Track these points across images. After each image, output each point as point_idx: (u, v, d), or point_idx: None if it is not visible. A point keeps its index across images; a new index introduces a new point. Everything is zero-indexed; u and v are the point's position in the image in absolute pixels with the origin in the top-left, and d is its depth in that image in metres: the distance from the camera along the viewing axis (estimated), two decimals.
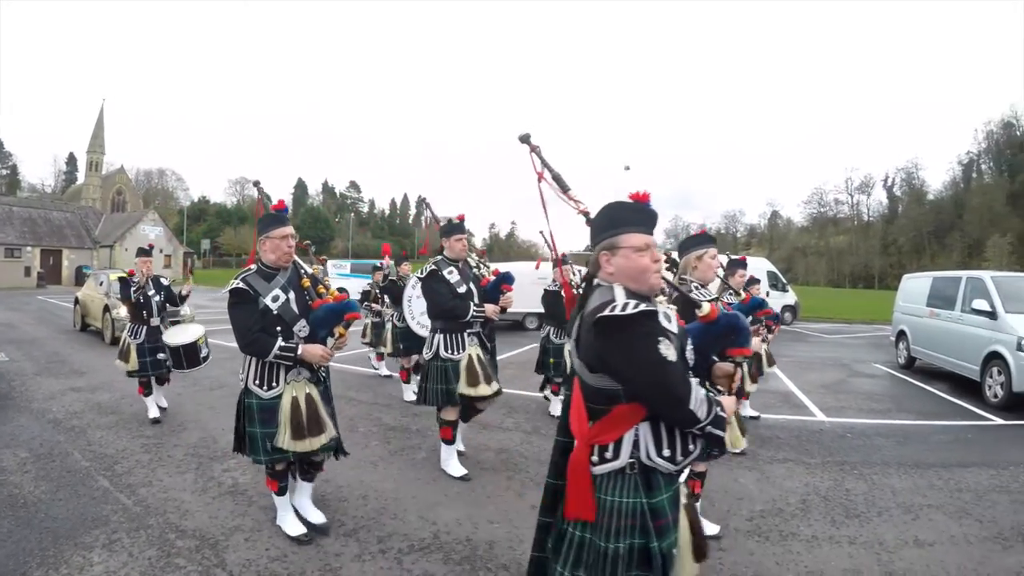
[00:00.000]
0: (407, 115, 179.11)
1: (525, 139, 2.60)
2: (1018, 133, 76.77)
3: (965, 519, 4.94)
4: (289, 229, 4.09)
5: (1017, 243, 67.01)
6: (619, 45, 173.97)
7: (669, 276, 4.60)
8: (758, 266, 26.53)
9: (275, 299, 3.89)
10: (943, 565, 4.08)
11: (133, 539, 4.06)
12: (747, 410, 7.94)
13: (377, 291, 10.35)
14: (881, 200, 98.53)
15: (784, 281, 25.38)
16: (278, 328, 3.88)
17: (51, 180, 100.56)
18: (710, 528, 4.39)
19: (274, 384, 3.93)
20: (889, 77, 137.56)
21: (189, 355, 6.86)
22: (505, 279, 5.69)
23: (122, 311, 12.71)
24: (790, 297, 24.83)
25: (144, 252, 7.60)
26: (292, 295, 4.01)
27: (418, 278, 5.69)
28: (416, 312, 7.57)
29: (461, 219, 5.78)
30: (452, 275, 5.47)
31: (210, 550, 3.94)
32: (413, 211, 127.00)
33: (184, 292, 7.81)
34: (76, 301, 17.09)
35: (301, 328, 3.98)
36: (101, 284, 15.67)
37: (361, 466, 5.68)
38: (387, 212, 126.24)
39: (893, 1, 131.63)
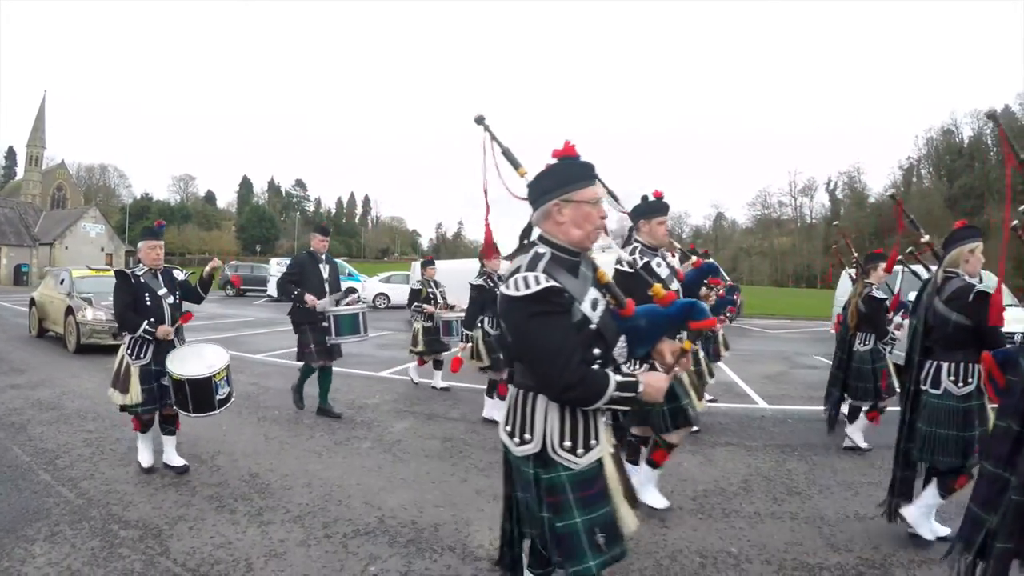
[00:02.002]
0: (354, 113, 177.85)
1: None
2: (957, 140, 79.31)
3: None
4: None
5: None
6: (563, 47, 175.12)
7: (676, 263, 5.05)
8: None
9: (594, 304, 2.32)
10: (884, 536, 4.26)
11: (76, 531, 4.05)
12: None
13: (430, 290, 9.41)
14: (824, 203, 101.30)
15: (727, 278, 25.86)
16: (596, 352, 2.30)
17: None
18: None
19: (592, 442, 2.29)
20: (833, 84, 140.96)
21: (198, 394, 5.03)
22: (710, 270, 5.14)
23: (89, 314, 12.00)
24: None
25: (152, 234, 5.41)
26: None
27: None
28: None
29: (659, 196, 4.68)
30: (662, 268, 4.49)
31: (154, 539, 3.96)
32: (360, 210, 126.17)
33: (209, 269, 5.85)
34: (32, 303, 15.29)
35: (622, 349, 2.57)
36: (62, 283, 13.91)
37: (306, 456, 5.73)
38: (333, 211, 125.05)
39: (838, 8, 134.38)
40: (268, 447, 5.98)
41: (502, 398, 7.01)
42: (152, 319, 5.10)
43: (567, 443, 2.21)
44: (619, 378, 2.16)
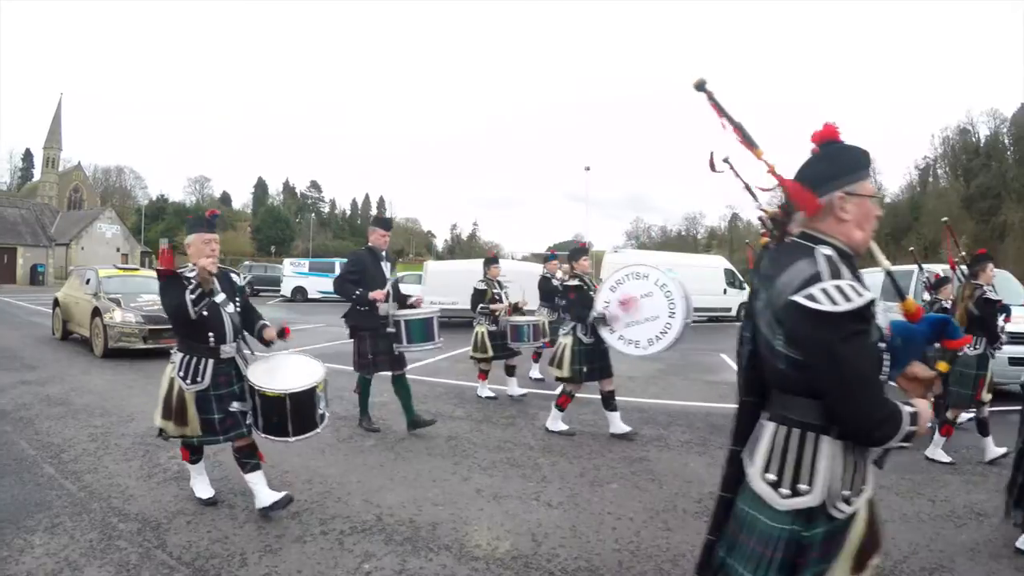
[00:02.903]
0: (368, 114, 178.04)
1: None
2: (973, 139, 78.36)
3: (917, 498, 5.05)
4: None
5: (972, 244, 68.62)
6: (578, 45, 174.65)
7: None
8: (714, 264, 27.02)
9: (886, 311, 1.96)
10: (895, 542, 4.11)
11: (75, 522, 4.09)
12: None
13: (495, 291, 8.71)
14: None
15: (742, 279, 25.82)
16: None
17: (6, 177, 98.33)
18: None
19: (863, 487, 1.88)
20: (848, 83, 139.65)
21: (301, 410, 4.22)
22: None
23: (117, 315, 11.30)
24: (747, 295, 25.03)
25: (205, 225, 4.37)
26: None
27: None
28: (619, 322, 6.48)
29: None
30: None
31: (152, 532, 3.99)
32: (374, 211, 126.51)
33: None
34: (55, 304, 14.38)
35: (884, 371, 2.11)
36: (88, 283, 13.10)
37: (308, 453, 5.73)
38: (348, 212, 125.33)
39: (851, 7, 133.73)
40: (272, 444, 5.95)
41: (561, 409, 6.79)
42: (212, 333, 4.20)
43: (846, 492, 1.79)
44: (910, 409, 1.77)
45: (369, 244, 6.63)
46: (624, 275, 6.57)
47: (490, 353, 8.47)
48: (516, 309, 8.74)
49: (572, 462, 5.78)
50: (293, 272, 33.09)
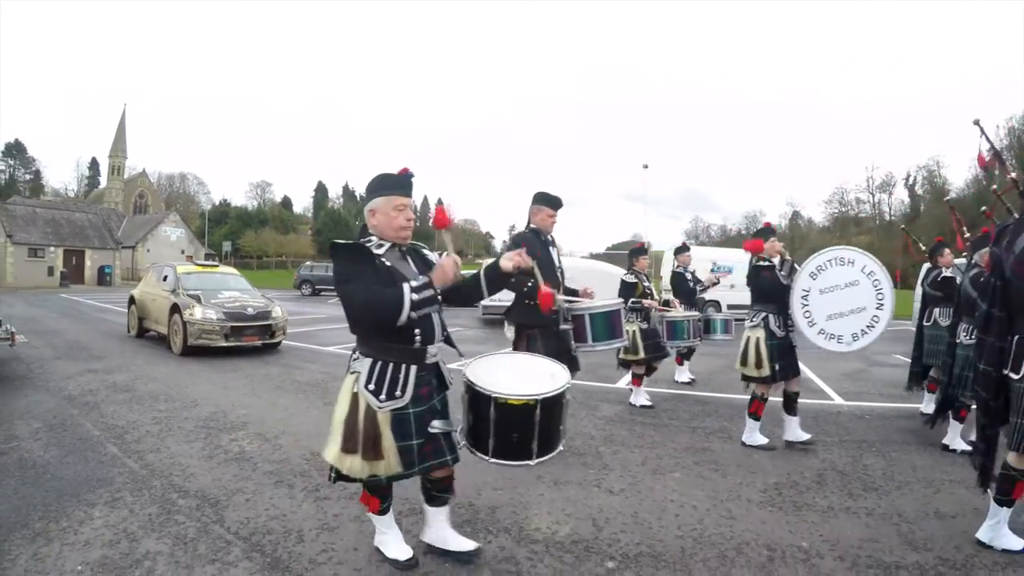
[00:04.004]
0: (428, 118, 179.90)
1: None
2: None
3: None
4: None
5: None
6: (634, 41, 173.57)
7: None
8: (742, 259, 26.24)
9: None
10: (966, 536, 3.96)
11: (136, 498, 4.11)
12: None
13: (646, 285, 7.70)
14: (903, 199, 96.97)
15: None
16: None
17: (74, 184, 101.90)
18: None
19: None
20: (909, 74, 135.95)
21: (549, 424, 3.14)
22: None
23: (198, 312, 10.96)
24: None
25: (396, 185, 3.27)
26: None
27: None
28: (819, 314, 5.88)
29: None
30: None
31: (210, 508, 3.99)
32: (433, 214, 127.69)
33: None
34: (131, 301, 14.01)
35: None
36: (166, 279, 12.75)
37: None
38: None
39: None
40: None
41: (757, 418, 6.00)
42: (418, 330, 3.12)
43: None
44: None
45: (533, 226, 5.31)
46: (826, 260, 5.94)
47: (641, 355, 7.46)
48: (666, 305, 8.12)
49: (633, 451, 5.63)
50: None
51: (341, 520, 3.88)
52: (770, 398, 5.98)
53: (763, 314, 5.93)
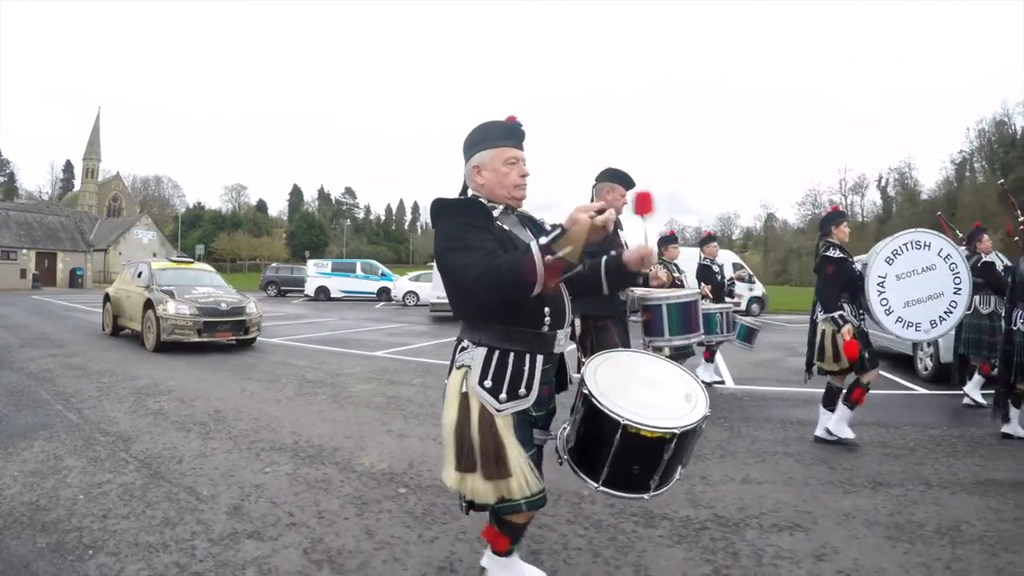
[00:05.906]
0: (403, 121, 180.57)
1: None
2: (1010, 131, 76.03)
3: (817, 465, 5.01)
4: None
5: (1008, 239, 67.00)
6: (610, 44, 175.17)
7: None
8: (725, 258, 27.68)
9: None
10: (760, 501, 4.14)
11: (68, 436, 5.48)
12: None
13: (675, 275, 7.28)
14: (875, 200, 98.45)
15: (751, 273, 26.32)
16: None
17: (48, 187, 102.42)
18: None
19: None
20: (881, 77, 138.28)
21: (678, 455, 2.43)
22: None
23: (171, 307, 11.17)
24: (758, 289, 26.08)
25: (504, 135, 2.51)
26: None
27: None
28: (896, 301, 5.44)
29: None
30: None
31: (122, 443, 5.34)
32: (408, 217, 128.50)
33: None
34: (106, 299, 14.16)
35: None
36: (140, 276, 12.89)
37: (266, 403, 7.05)
38: (382, 218, 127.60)
39: (885, 1, 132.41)
40: (240, 396, 7.38)
41: (852, 406, 5.62)
42: (548, 309, 2.47)
43: None
44: None
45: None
46: (902, 244, 5.52)
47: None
48: (703, 296, 7.31)
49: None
50: (316, 272, 34.17)
51: (215, 451, 5.19)
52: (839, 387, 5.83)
53: (841, 302, 5.56)
